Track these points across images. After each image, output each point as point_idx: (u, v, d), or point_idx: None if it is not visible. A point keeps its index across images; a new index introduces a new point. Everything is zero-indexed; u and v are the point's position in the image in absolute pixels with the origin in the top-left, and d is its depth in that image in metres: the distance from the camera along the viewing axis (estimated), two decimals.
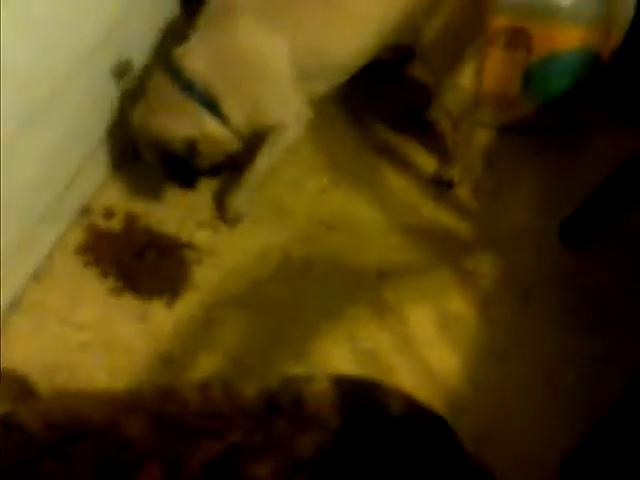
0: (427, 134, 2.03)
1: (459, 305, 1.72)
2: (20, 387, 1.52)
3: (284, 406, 1.00)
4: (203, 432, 0.96)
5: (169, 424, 0.97)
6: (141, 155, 1.75)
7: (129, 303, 1.70)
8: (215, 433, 0.96)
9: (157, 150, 1.71)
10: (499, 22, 1.85)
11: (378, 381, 1.06)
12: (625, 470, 1.22)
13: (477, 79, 1.80)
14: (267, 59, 1.61)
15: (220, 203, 1.86)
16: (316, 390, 1.02)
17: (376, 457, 0.95)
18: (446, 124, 1.90)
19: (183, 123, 1.66)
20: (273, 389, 1.02)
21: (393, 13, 1.64)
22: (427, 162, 1.99)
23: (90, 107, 1.76)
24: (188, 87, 1.63)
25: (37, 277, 1.72)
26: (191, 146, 1.68)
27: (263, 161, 1.78)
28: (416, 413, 1.02)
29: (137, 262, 1.74)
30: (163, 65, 1.67)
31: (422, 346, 1.64)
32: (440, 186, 1.93)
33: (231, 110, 1.69)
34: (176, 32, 2.03)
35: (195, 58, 1.64)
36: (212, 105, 1.66)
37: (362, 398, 1.03)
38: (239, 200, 1.82)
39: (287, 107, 1.71)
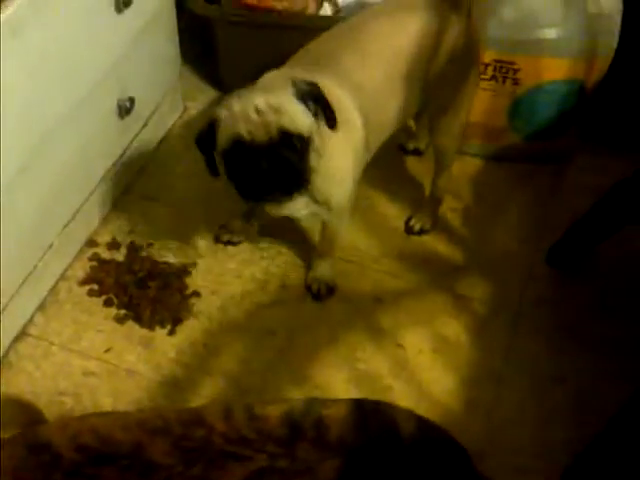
0: (421, 156, 2.10)
1: (452, 328, 1.75)
2: (28, 414, 1.54)
3: (307, 430, 1.00)
4: (229, 456, 0.96)
5: (194, 448, 0.97)
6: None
7: (132, 331, 1.73)
8: (241, 457, 0.96)
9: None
10: (487, 56, 1.89)
11: (393, 404, 1.07)
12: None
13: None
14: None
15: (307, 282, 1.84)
16: (336, 414, 1.02)
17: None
18: (439, 161, 1.88)
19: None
20: (296, 413, 1.02)
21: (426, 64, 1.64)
22: (417, 191, 2.03)
23: (94, 141, 1.80)
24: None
25: (43, 307, 1.76)
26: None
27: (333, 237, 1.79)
28: (430, 435, 1.04)
29: (140, 291, 1.78)
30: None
31: (417, 368, 1.68)
32: (412, 234, 1.95)
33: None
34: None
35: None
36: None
37: (380, 422, 1.03)
38: (325, 270, 1.82)
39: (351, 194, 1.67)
